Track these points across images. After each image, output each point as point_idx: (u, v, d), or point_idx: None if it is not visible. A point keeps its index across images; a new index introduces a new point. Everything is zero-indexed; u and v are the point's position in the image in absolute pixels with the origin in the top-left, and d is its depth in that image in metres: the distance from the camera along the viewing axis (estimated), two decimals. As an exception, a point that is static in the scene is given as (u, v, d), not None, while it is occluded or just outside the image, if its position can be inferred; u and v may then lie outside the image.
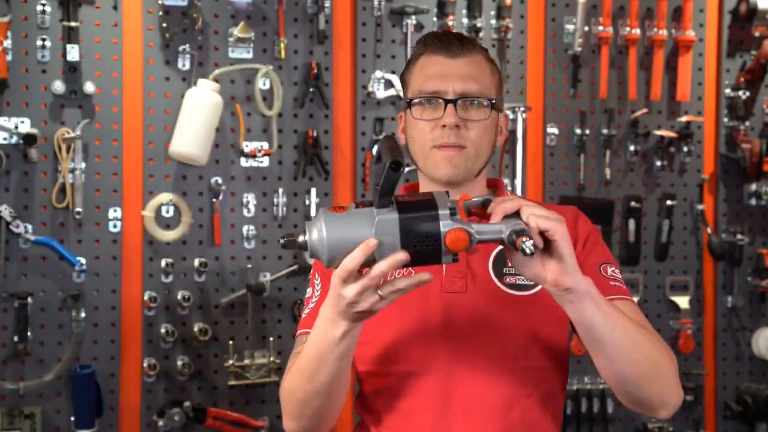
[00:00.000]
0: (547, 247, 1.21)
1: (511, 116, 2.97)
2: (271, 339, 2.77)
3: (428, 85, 1.46)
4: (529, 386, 1.42)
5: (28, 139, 2.59)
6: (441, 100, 1.44)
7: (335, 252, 1.20)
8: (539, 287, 1.42)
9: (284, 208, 2.84)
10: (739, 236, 3.18)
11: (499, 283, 1.42)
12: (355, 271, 1.19)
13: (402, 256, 1.18)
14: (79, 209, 2.66)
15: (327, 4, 2.86)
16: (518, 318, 1.39)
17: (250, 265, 2.80)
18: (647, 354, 1.30)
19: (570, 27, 3.07)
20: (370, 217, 1.20)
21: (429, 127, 1.45)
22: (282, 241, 1.23)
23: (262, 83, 2.81)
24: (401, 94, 2.90)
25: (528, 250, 1.16)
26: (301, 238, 1.22)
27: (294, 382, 1.39)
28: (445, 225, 1.19)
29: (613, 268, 1.45)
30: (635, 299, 3.09)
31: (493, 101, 1.47)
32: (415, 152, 1.49)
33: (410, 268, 1.24)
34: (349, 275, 1.20)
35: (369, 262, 1.20)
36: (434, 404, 1.40)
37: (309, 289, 1.53)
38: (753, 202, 3.21)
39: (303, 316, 1.50)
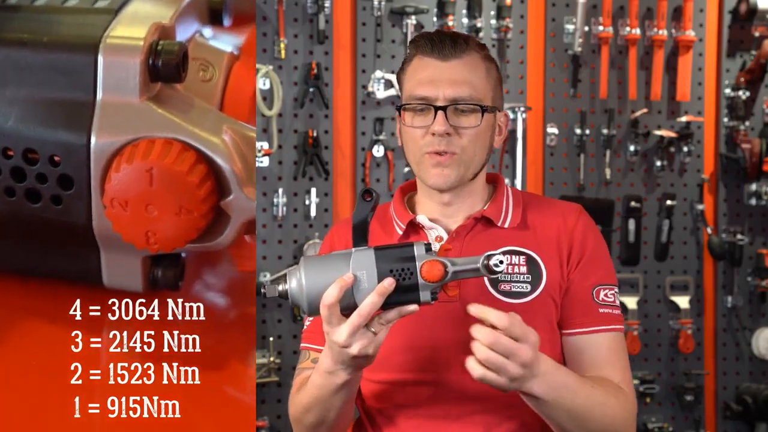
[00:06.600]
0: None
1: (511, 116, 2.97)
2: (271, 339, 2.77)
3: (418, 90, 1.42)
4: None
5: None
6: (431, 107, 1.40)
7: (314, 296, 1.20)
8: (534, 295, 1.41)
9: (284, 208, 2.84)
10: (739, 236, 3.18)
11: (493, 291, 1.40)
12: (334, 307, 1.19)
13: (387, 282, 1.18)
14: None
15: (327, 4, 2.86)
16: None
17: (250, 265, 2.80)
18: (598, 422, 1.31)
19: (570, 27, 3.07)
20: (347, 256, 1.21)
21: (420, 134, 1.41)
22: (263, 290, 1.23)
23: (262, 83, 2.81)
24: (400, 94, 2.93)
25: (497, 266, 1.19)
26: (280, 287, 1.22)
27: (299, 413, 1.40)
28: (420, 257, 1.20)
29: (606, 291, 1.42)
30: (635, 299, 3.11)
31: (485, 107, 1.41)
32: (409, 157, 1.46)
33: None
34: (330, 313, 1.19)
35: (349, 304, 1.19)
36: (425, 413, 1.39)
37: None
38: (753, 202, 3.21)
39: (305, 326, 1.50)
